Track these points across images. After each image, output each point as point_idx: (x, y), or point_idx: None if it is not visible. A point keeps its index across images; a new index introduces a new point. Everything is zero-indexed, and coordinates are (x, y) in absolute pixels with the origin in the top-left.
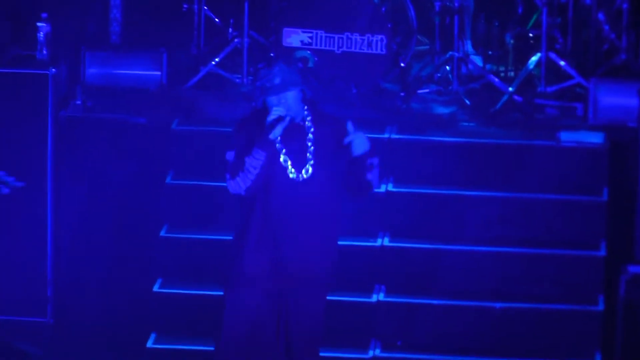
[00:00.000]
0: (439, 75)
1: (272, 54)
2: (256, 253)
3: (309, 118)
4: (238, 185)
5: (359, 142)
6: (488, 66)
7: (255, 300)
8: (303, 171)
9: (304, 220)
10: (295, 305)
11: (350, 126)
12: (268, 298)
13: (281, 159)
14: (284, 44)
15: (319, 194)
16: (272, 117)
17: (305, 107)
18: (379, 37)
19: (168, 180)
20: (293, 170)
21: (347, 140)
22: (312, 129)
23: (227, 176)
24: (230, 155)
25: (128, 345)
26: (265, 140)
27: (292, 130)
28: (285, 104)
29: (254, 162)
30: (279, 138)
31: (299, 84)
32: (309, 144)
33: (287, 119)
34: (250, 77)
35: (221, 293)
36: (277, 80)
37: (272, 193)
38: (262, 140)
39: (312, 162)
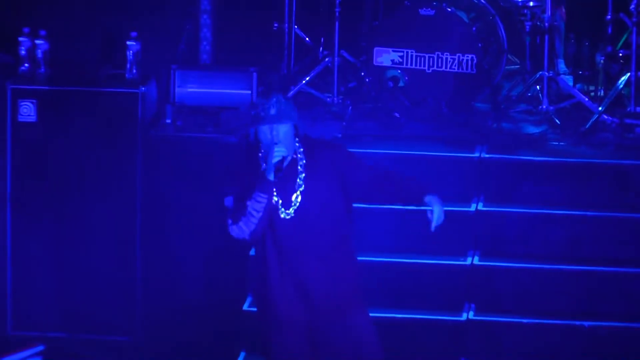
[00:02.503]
0: (529, 94)
1: (362, 73)
2: (284, 294)
3: (301, 150)
4: (241, 230)
5: (438, 216)
6: (578, 86)
7: (299, 339)
8: (291, 209)
9: (312, 251)
10: (339, 332)
11: (430, 199)
12: (307, 336)
13: (274, 199)
14: (375, 63)
15: (318, 223)
16: (275, 158)
17: (297, 140)
18: (470, 56)
19: None
20: (283, 209)
21: (429, 214)
22: (303, 161)
23: (229, 222)
24: (229, 202)
25: None
26: (267, 182)
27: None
28: (277, 136)
29: (257, 206)
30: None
31: (294, 119)
32: (299, 178)
33: (289, 158)
34: (340, 97)
35: None
36: (272, 111)
37: (277, 232)
38: (264, 182)
39: (299, 197)
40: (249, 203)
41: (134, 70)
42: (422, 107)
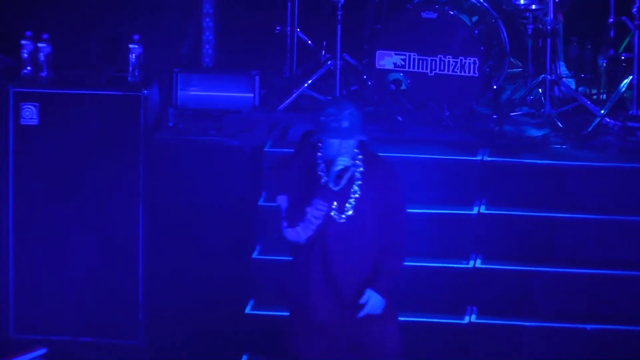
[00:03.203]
0: (531, 97)
1: (365, 76)
2: (323, 298)
3: (359, 157)
4: (298, 234)
5: (369, 308)
6: (580, 89)
7: (329, 343)
8: (344, 213)
9: (355, 256)
10: (368, 340)
11: (370, 293)
12: (338, 340)
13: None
14: (377, 66)
15: (364, 230)
16: (338, 167)
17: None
18: (472, 59)
19: (261, 202)
20: (336, 213)
21: (362, 300)
22: (360, 169)
23: (284, 224)
24: (282, 200)
25: None
26: (329, 191)
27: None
28: (345, 149)
29: (316, 213)
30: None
31: (363, 133)
32: (355, 185)
33: (352, 169)
34: None
35: None
36: (345, 124)
37: (326, 235)
38: (326, 191)
39: (353, 203)
40: (309, 209)
41: (137, 73)
42: (424, 111)
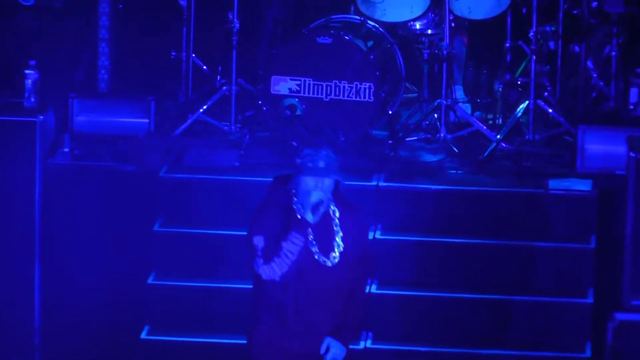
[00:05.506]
0: (427, 123)
1: (260, 102)
2: (279, 332)
3: (333, 204)
4: (273, 271)
5: (335, 354)
6: (477, 114)
7: None
8: (331, 256)
9: (324, 303)
10: None
11: (330, 341)
12: None
13: (309, 244)
14: (272, 91)
15: (340, 278)
16: (313, 199)
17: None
18: (367, 84)
19: (156, 227)
20: (320, 256)
21: (323, 348)
22: (337, 214)
23: (260, 262)
24: (258, 241)
25: None
26: (304, 224)
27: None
28: (321, 188)
29: (292, 247)
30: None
31: (338, 173)
32: (337, 229)
33: (327, 203)
34: (238, 125)
35: (210, 340)
36: (321, 164)
37: (298, 276)
38: (301, 223)
39: (341, 248)
40: (284, 244)
41: (33, 99)
42: (319, 136)
